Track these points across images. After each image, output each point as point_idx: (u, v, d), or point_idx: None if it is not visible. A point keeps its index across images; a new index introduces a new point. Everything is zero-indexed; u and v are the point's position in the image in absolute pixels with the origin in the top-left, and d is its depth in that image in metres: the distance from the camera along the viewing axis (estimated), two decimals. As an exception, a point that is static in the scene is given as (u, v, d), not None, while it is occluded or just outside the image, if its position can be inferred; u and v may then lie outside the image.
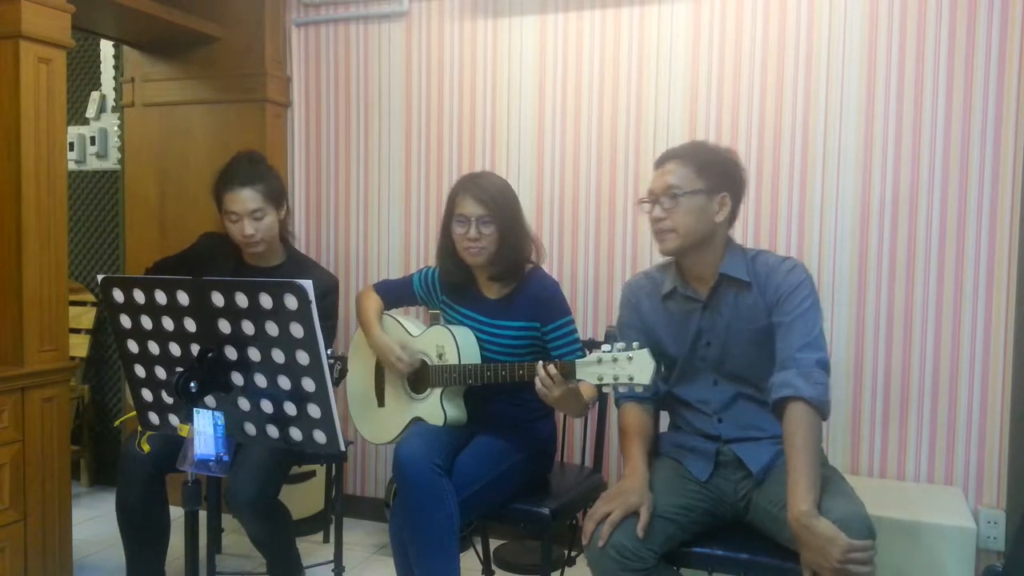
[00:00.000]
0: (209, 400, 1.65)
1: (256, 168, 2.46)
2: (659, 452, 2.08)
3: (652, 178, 1.99)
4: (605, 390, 1.90)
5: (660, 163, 1.99)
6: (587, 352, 1.99)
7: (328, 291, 2.48)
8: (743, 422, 1.94)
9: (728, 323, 1.94)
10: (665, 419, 2.20)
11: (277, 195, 2.46)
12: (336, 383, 1.89)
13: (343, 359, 2.03)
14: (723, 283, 1.95)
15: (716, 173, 1.92)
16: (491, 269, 2.25)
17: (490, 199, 2.18)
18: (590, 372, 1.89)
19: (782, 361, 1.84)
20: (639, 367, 1.82)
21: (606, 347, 1.87)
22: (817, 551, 1.62)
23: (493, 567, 2.67)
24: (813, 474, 1.70)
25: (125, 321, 1.71)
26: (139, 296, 1.67)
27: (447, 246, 2.28)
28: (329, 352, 1.84)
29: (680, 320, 2.00)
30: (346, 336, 3.15)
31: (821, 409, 1.78)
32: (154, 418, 1.78)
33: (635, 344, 1.84)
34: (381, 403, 2.37)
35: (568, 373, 1.93)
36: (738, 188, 1.97)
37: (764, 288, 1.92)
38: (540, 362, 1.97)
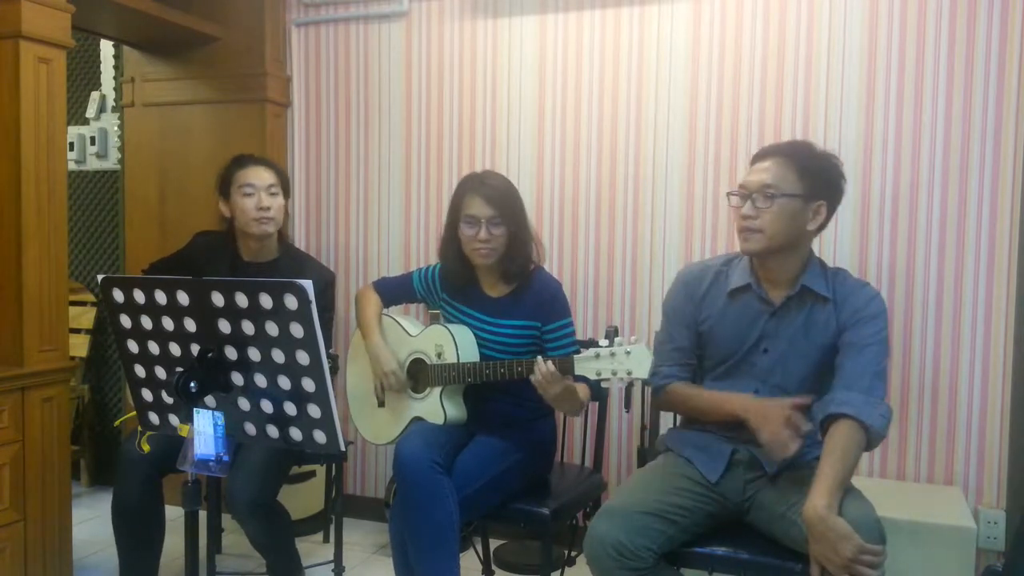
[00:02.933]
0: (209, 400, 1.65)
1: (266, 158, 2.61)
2: (666, 448, 2.06)
3: (747, 171, 1.91)
4: (604, 385, 1.91)
5: (759, 158, 1.89)
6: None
7: (326, 286, 2.53)
8: None
9: (793, 335, 1.89)
10: (666, 417, 2.20)
11: (287, 184, 2.59)
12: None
13: (335, 357, 2.01)
14: (802, 295, 1.89)
15: (817, 179, 1.84)
16: (499, 269, 2.25)
17: (500, 200, 2.18)
18: (588, 367, 1.90)
19: (847, 381, 1.79)
20: (637, 361, 1.83)
21: (603, 342, 1.88)
22: (829, 546, 1.62)
23: (493, 567, 2.67)
24: (842, 481, 1.70)
25: (125, 321, 1.71)
26: (139, 296, 1.67)
27: (453, 246, 2.27)
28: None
29: (744, 319, 1.93)
30: (346, 335, 3.15)
31: (874, 440, 1.76)
32: (154, 418, 1.78)
33: (632, 338, 1.84)
34: (381, 403, 2.37)
35: (566, 369, 1.94)
36: (836, 198, 1.88)
37: (840, 307, 1.86)
38: (539, 358, 1.97)
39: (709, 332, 1.98)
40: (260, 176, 2.49)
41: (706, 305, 1.98)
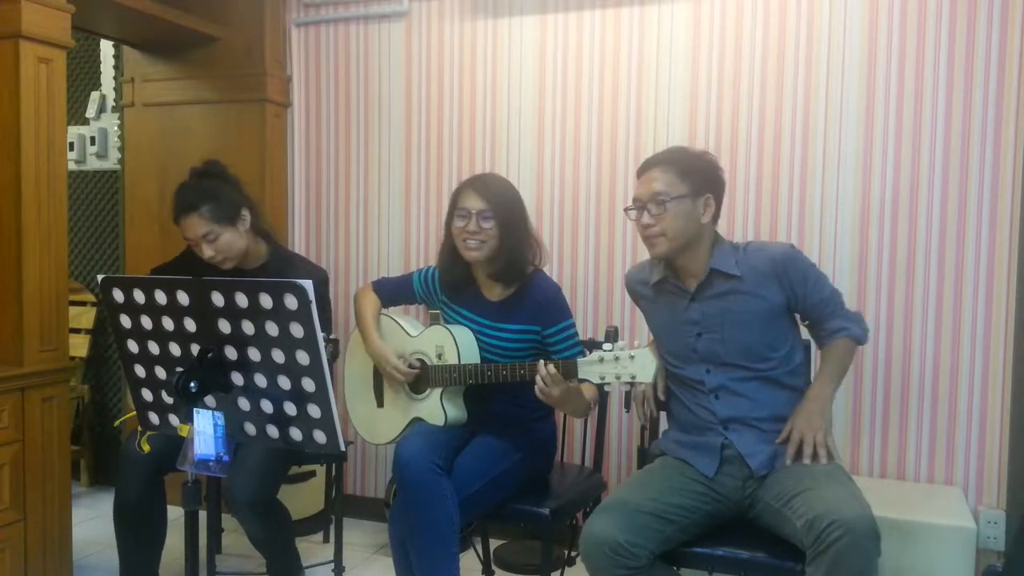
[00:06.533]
0: (209, 400, 1.65)
1: (202, 186, 2.38)
2: (660, 451, 2.08)
3: (636, 185, 2.03)
4: (607, 389, 1.91)
5: (643, 171, 2.04)
6: (587, 353, 1.99)
7: (317, 284, 2.44)
8: (735, 392, 1.98)
9: (722, 314, 1.98)
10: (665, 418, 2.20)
11: (228, 210, 2.36)
12: (328, 364, 1.89)
13: (335, 341, 1.99)
14: (713, 277, 1.99)
15: (698, 177, 1.99)
16: (490, 268, 2.25)
17: (492, 195, 2.20)
18: (592, 371, 1.90)
19: (833, 313, 2.02)
20: (641, 365, 1.83)
21: (607, 346, 1.88)
22: (807, 418, 1.89)
23: (493, 567, 2.67)
24: (840, 379, 1.99)
25: (125, 321, 1.72)
26: (139, 296, 1.67)
27: (448, 243, 2.28)
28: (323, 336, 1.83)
29: (671, 309, 2.06)
30: (345, 335, 3.14)
31: (862, 343, 2.04)
32: (154, 418, 1.79)
33: (636, 343, 1.86)
34: (380, 403, 2.37)
35: (570, 373, 1.94)
36: (719, 189, 2.04)
37: (776, 274, 1.97)
38: (541, 361, 1.97)
39: (654, 326, 2.14)
40: (191, 229, 2.34)
41: (644, 301, 2.17)
